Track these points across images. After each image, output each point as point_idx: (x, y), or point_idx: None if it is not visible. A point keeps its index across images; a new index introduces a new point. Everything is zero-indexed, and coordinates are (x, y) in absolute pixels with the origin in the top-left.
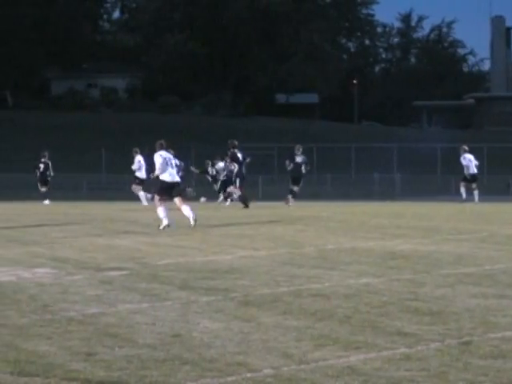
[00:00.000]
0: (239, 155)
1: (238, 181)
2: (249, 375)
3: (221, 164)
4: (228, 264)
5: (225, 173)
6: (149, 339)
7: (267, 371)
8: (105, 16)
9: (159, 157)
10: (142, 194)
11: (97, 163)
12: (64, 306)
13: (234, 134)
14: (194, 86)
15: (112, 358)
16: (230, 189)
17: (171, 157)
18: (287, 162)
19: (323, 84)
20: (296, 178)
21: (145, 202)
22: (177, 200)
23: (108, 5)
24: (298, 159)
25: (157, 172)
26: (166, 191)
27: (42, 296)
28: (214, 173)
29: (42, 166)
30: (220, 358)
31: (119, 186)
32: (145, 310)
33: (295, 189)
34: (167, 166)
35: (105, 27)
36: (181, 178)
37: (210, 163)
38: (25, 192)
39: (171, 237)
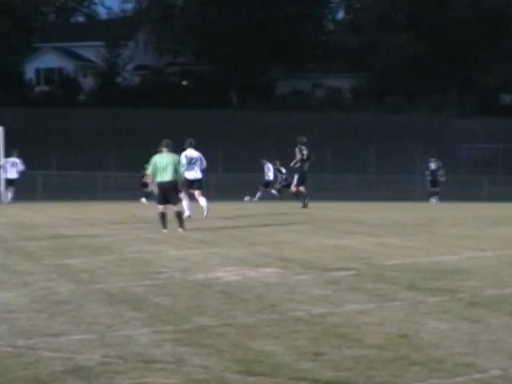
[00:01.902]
0: (304, 152)
1: (296, 177)
2: (477, 376)
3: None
4: (454, 264)
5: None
6: (376, 339)
7: (495, 372)
8: (329, 16)
9: (184, 157)
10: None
11: (322, 163)
12: (291, 306)
13: (458, 134)
14: (419, 86)
15: (340, 358)
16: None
17: (198, 155)
18: None
19: None
20: None
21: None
22: (196, 192)
23: (332, 5)
24: None
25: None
26: (189, 186)
27: (268, 295)
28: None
29: None
30: (448, 358)
31: (344, 186)
32: (372, 311)
33: None
34: (190, 165)
35: (329, 27)
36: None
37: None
38: (244, 192)
39: (398, 237)
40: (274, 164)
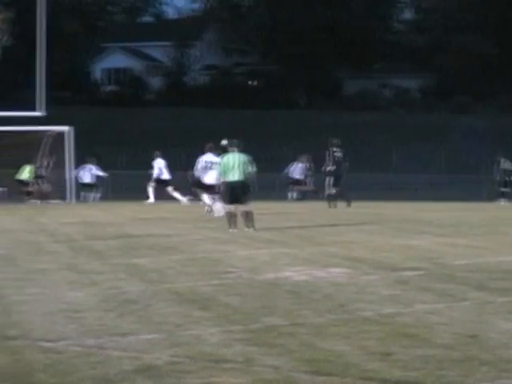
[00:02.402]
0: (337, 155)
1: (331, 180)
2: None
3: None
4: None
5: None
6: (445, 339)
7: None
8: (397, 16)
9: (203, 162)
10: (174, 193)
11: (389, 163)
12: (360, 306)
13: None
14: (486, 86)
15: (409, 358)
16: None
17: (214, 160)
18: None
19: None
20: None
21: (181, 199)
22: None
23: (400, 5)
24: None
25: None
26: (207, 189)
27: (337, 295)
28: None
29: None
30: None
31: (412, 186)
32: (441, 311)
33: None
34: (206, 170)
35: (397, 27)
36: None
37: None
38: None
39: (467, 237)
40: (303, 161)
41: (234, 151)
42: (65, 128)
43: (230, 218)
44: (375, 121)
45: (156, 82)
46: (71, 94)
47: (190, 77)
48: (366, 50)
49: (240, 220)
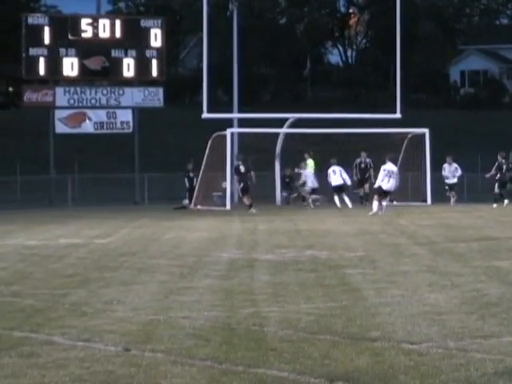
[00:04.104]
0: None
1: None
2: None
3: None
4: None
5: None
6: None
7: None
8: None
9: (383, 170)
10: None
11: None
12: None
13: None
14: None
15: None
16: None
17: (393, 170)
18: None
19: None
20: None
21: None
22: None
23: None
24: None
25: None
26: (384, 194)
27: None
28: None
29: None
30: None
31: None
32: None
33: None
34: (386, 177)
35: None
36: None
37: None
38: None
39: None
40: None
41: None
42: (424, 130)
43: None
44: None
45: None
46: (426, 96)
47: None
48: None
49: None
